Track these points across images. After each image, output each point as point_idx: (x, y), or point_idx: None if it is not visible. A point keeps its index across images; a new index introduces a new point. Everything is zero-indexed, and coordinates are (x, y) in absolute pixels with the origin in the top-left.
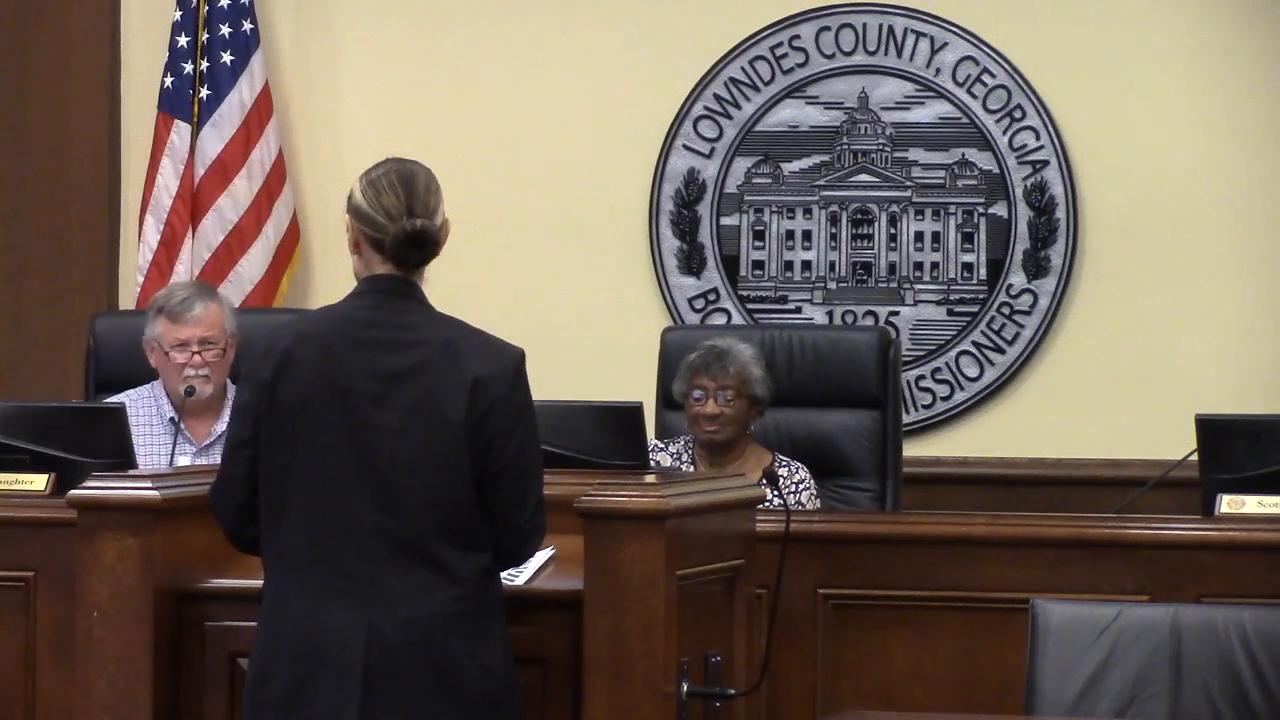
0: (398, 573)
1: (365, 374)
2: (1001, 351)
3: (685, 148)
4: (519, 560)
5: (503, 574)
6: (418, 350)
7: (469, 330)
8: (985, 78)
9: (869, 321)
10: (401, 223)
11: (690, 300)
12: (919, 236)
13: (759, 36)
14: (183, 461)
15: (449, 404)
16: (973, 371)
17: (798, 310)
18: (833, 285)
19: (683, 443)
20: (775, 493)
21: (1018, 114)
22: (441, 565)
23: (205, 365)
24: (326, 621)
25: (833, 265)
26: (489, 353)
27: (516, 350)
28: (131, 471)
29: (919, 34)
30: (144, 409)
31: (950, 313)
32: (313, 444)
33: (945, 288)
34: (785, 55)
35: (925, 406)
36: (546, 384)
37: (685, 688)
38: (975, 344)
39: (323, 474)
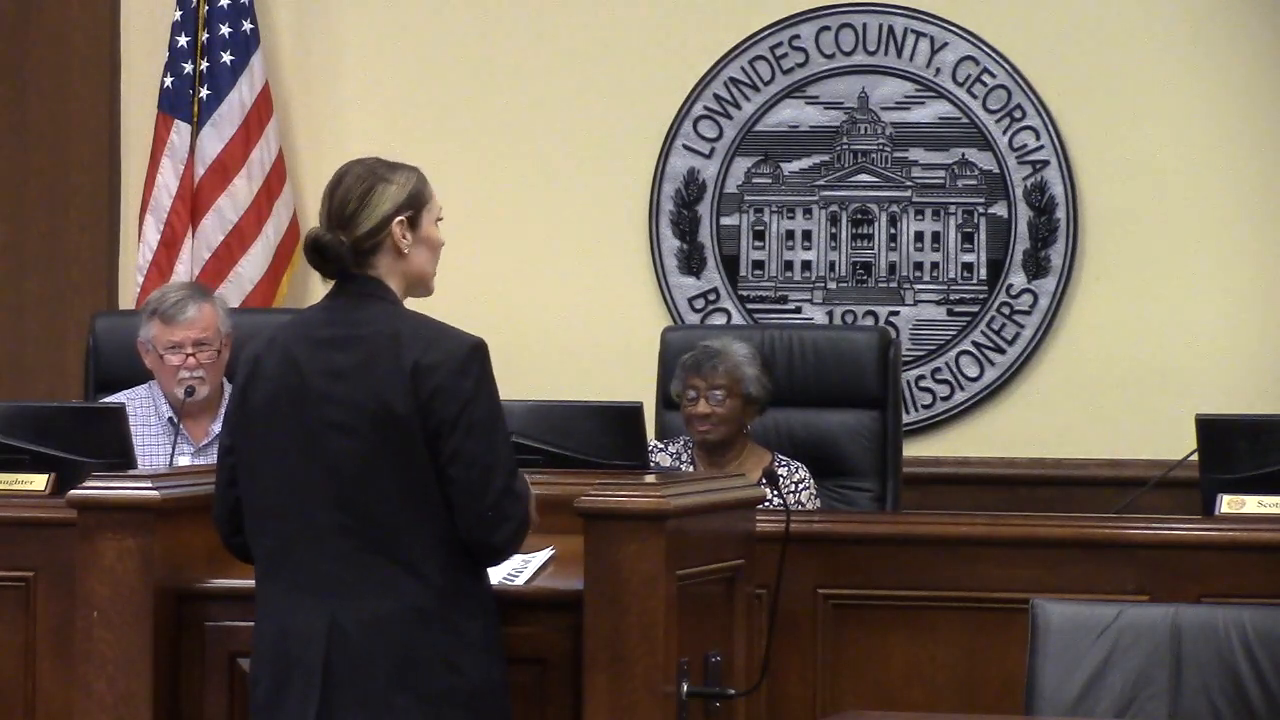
0: (361, 570)
1: (318, 373)
2: (1001, 351)
3: (685, 148)
4: (491, 553)
5: (503, 574)
6: (363, 346)
7: (422, 322)
8: (985, 78)
9: (869, 321)
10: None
11: (690, 300)
12: (919, 236)
13: (759, 36)
14: (181, 461)
15: (393, 397)
16: (973, 371)
17: (798, 310)
18: (833, 285)
19: (682, 443)
20: (775, 492)
21: (1018, 114)
22: (407, 561)
23: (200, 366)
24: (295, 621)
25: (833, 265)
26: (436, 341)
27: (471, 339)
28: (131, 471)
29: (919, 34)
30: (142, 409)
31: (950, 313)
32: (277, 446)
33: (945, 288)
34: (785, 55)
35: (925, 406)
36: (547, 384)
37: (685, 688)
38: (975, 344)
39: (287, 475)
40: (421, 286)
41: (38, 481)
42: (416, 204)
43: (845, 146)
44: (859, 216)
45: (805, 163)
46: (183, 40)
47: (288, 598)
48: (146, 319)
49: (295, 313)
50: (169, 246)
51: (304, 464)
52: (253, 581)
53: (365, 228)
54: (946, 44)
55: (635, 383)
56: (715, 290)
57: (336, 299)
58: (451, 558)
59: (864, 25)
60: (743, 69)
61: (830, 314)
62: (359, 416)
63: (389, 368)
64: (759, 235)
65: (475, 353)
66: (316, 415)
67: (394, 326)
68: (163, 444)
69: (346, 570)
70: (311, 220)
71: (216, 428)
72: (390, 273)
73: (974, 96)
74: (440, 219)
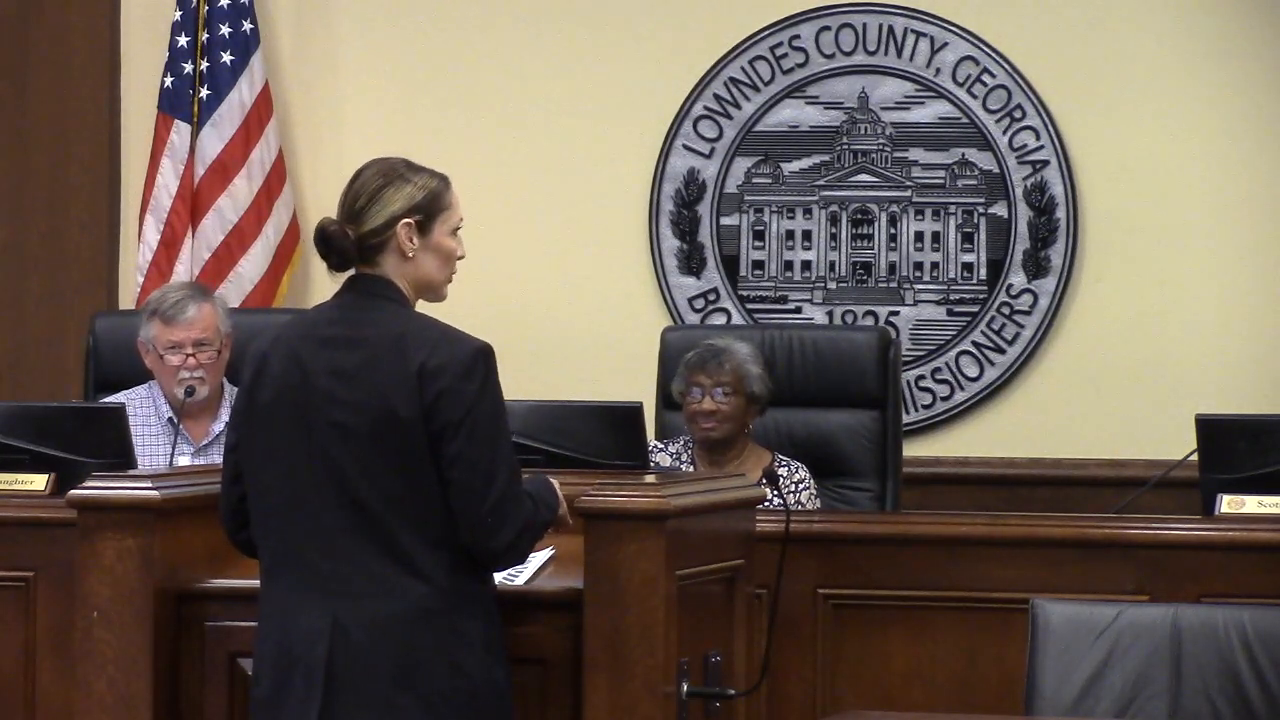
0: (364, 570)
1: (323, 372)
2: (1001, 351)
3: (685, 148)
4: (492, 556)
5: (502, 574)
6: (367, 346)
7: (428, 324)
8: (985, 78)
9: (869, 321)
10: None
11: (690, 300)
12: (919, 236)
13: (759, 36)
14: (181, 461)
15: (398, 399)
16: (973, 371)
17: (798, 310)
18: (833, 285)
19: (682, 443)
20: (775, 492)
21: (1018, 114)
22: (409, 562)
23: (200, 367)
24: (297, 621)
25: (833, 265)
26: (442, 344)
27: (477, 343)
28: (131, 471)
29: (919, 34)
30: (142, 409)
31: (950, 313)
32: (281, 444)
33: (945, 288)
34: (785, 55)
35: (925, 406)
36: (547, 384)
37: (685, 688)
38: (975, 344)
39: (291, 473)
40: (430, 293)
41: (38, 481)
42: (430, 210)
43: (845, 146)
44: (859, 216)
45: (805, 163)
46: (183, 40)
47: (290, 597)
48: (146, 319)
49: (296, 313)
50: (169, 246)
51: (307, 463)
52: (253, 581)
53: (371, 224)
54: (946, 44)
55: (635, 383)
56: (715, 290)
57: (345, 297)
58: (454, 558)
59: (864, 25)
60: (743, 69)
61: (830, 314)
62: (362, 417)
63: (394, 369)
64: (759, 235)
65: (481, 356)
66: (320, 415)
67: (400, 328)
68: (163, 444)
69: (350, 570)
70: (312, 220)
71: (216, 427)
72: (397, 274)
73: (974, 96)
74: (458, 229)
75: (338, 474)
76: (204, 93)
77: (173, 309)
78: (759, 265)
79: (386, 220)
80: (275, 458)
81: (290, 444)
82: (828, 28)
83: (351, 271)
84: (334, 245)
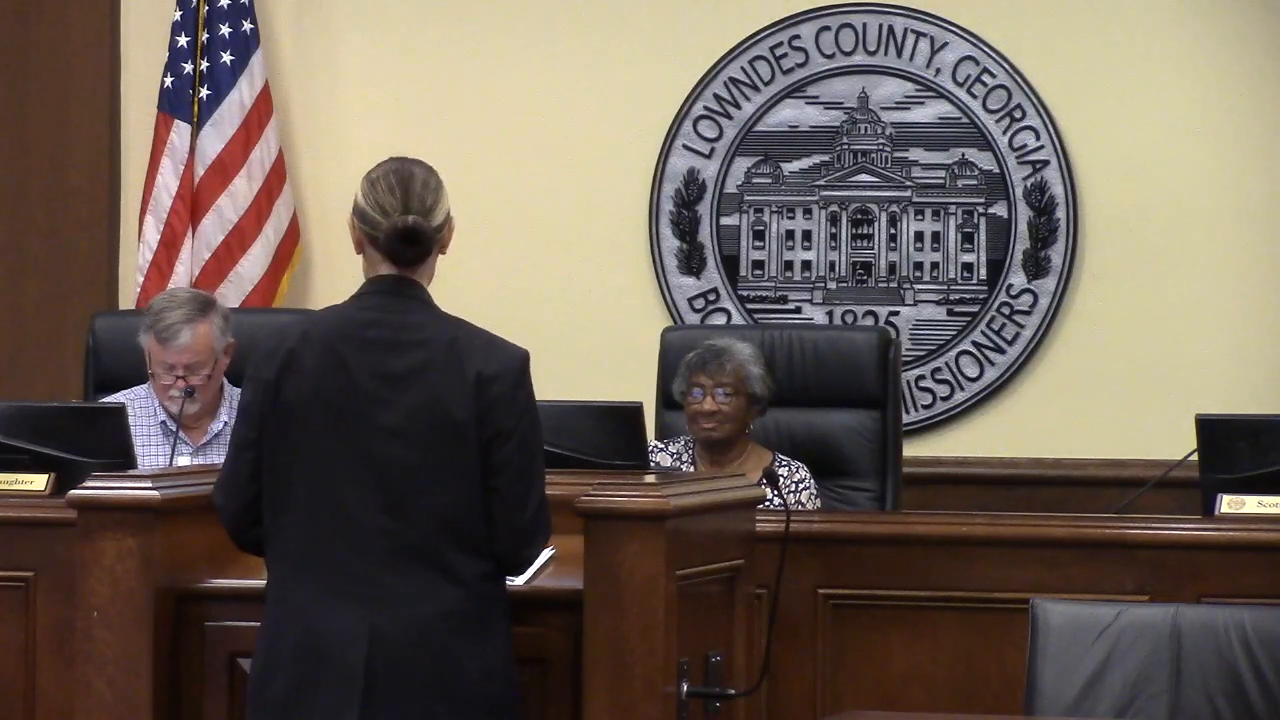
0: (400, 574)
1: (368, 375)
2: (1001, 351)
3: (685, 148)
4: (521, 564)
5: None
6: (421, 350)
7: (473, 330)
8: (985, 78)
9: (869, 321)
10: (394, 219)
11: (690, 300)
12: (919, 236)
13: (759, 36)
14: (180, 462)
15: (454, 404)
16: (973, 371)
17: (798, 310)
18: (833, 285)
19: (683, 443)
20: (775, 492)
21: (1018, 114)
22: (445, 566)
23: (191, 387)
24: (328, 623)
25: (833, 265)
26: (493, 351)
27: (521, 350)
28: (131, 471)
29: (919, 34)
30: (141, 409)
31: (950, 313)
32: (315, 445)
33: (945, 288)
34: (785, 55)
35: (925, 406)
36: (547, 384)
37: (685, 688)
38: (975, 344)
39: (325, 475)
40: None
41: (38, 481)
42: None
43: (845, 146)
44: (859, 216)
45: (805, 163)
46: (183, 40)
47: (320, 599)
48: (145, 329)
49: (296, 313)
50: (169, 246)
51: (348, 466)
52: (254, 581)
53: (437, 220)
54: (946, 44)
55: (635, 383)
56: (715, 290)
57: (376, 298)
58: (485, 563)
59: (864, 25)
60: (743, 69)
61: (830, 314)
62: (415, 422)
63: (450, 375)
64: (759, 235)
65: (526, 365)
66: (367, 418)
67: (449, 333)
68: (162, 444)
69: (386, 574)
70: (312, 220)
71: (215, 427)
72: (426, 270)
73: (974, 96)
74: None
75: (383, 478)
76: (204, 93)
77: (166, 331)
78: (759, 265)
79: (447, 215)
80: (307, 458)
81: (327, 445)
82: (828, 28)
83: (375, 272)
84: (423, 240)
